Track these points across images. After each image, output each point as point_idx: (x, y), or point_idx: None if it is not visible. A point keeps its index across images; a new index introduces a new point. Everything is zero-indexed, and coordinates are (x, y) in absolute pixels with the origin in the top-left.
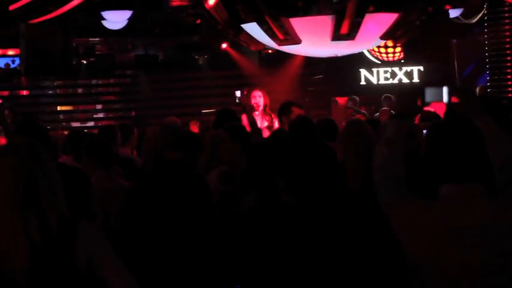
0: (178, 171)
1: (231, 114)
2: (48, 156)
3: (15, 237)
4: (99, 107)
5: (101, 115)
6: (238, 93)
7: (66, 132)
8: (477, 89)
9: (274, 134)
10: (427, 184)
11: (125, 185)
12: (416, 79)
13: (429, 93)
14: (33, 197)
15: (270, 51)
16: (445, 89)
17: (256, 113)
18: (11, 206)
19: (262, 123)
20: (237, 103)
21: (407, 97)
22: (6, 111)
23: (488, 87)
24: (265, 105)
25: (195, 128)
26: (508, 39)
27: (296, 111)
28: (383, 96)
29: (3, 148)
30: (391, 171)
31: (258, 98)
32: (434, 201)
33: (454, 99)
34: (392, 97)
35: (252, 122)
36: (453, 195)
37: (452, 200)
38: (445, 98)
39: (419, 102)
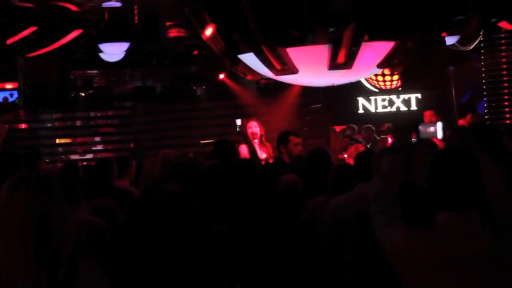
0: (176, 203)
1: (228, 146)
2: (60, 191)
3: (25, 268)
4: (97, 139)
5: (99, 147)
6: (238, 122)
7: None
8: (469, 116)
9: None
10: (422, 213)
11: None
12: (414, 107)
13: (423, 130)
14: (45, 233)
15: (267, 81)
16: (439, 125)
17: (255, 140)
18: (23, 239)
19: (260, 154)
20: (237, 132)
21: (402, 133)
22: None
23: (485, 113)
24: (261, 136)
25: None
26: (504, 66)
27: (294, 141)
28: (364, 127)
29: (18, 180)
30: (386, 206)
31: (255, 128)
32: (429, 229)
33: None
34: (373, 127)
35: (253, 152)
36: (450, 222)
37: (449, 227)
38: (440, 134)
39: (414, 137)
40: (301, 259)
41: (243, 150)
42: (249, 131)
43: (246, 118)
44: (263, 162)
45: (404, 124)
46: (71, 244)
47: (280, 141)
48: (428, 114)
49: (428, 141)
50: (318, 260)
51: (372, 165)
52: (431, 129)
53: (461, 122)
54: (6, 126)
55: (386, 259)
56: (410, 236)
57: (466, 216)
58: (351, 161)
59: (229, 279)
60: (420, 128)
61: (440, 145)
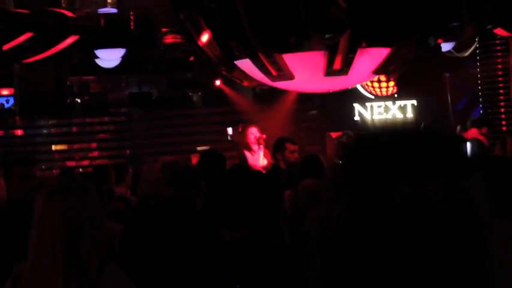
0: (177, 209)
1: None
2: (98, 200)
3: (55, 280)
4: (93, 145)
5: (95, 154)
6: (230, 131)
7: None
8: (485, 129)
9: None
10: None
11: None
12: (410, 113)
13: None
14: (77, 244)
15: (263, 87)
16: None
17: (261, 146)
18: (55, 250)
19: (262, 161)
20: (229, 140)
21: None
22: None
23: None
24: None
25: (195, 160)
26: (500, 72)
27: (290, 148)
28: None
29: (55, 188)
30: None
31: (257, 134)
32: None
33: None
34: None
35: (242, 160)
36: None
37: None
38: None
39: None
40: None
41: (248, 155)
42: (251, 137)
43: (243, 124)
44: (264, 170)
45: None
46: (103, 253)
47: (276, 148)
48: None
49: None
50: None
51: None
52: None
53: (473, 132)
54: None
55: None
56: None
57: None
58: None
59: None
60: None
61: None
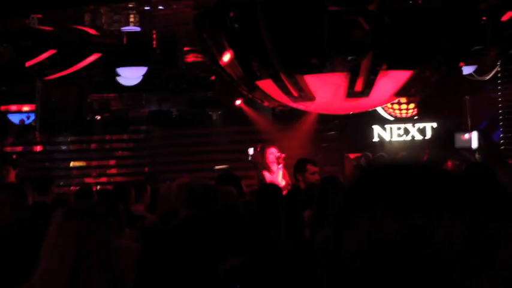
0: (193, 229)
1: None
2: (110, 226)
3: None
4: (112, 162)
5: (114, 171)
6: (251, 151)
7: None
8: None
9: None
10: None
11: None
12: (429, 136)
13: (458, 138)
14: (82, 267)
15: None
16: (474, 134)
17: (280, 166)
18: (60, 271)
19: (282, 180)
20: (250, 161)
21: (435, 145)
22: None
23: (501, 143)
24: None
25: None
26: None
27: (311, 169)
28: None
29: (71, 211)
30: None
31: (277, 154)
32: None
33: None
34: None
35: (261, 181)
36: None
37: None
38: (475, 144)
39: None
40: None
41: (267, 175)
42: (270, 157)
43: (262, 144)
44: (284, 190)
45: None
46: (114, 278)
47: (297, 168)
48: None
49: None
50: None
51: None
52: (466, 137)
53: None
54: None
55: None
56: None
57: None
58: None
59: None
60: (456, 136)
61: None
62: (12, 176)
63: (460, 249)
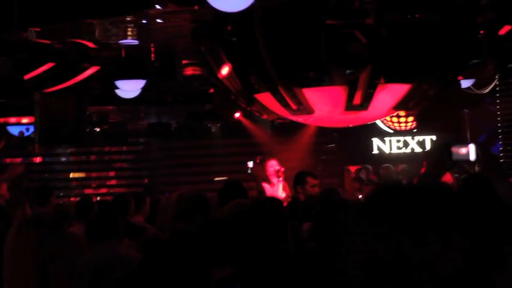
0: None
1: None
2: (66, 234)
3: None
4: (111, 174)
5: (113, 182)
6: (250, 164)
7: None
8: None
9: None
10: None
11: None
12: (428, 148)
13: (455, 151)
14: (49, 275)
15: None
16: (471, 147)
17: (280, 179)
18: (27, 280)
19: (281, 193)
20: (249, 174)
21: (432, 158)
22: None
23: (500, 156)
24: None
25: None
26: None
27: (311, 182)
28: (383, 166)
29: (26, 221)
30: None
31: (276, 167)
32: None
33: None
34: (392, 167)
35: (260, 193)
36: None
37: None
38: (472, 156)
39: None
40: None
41: (267, 188)
42: (270, 169)
43: (262, 157)
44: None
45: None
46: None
47: (297, 181)
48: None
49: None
50: None
51: None
52: (463, 150)
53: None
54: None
55: None
56: None
57: None
58: None
59: None
60: (452, 149)
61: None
62: (3, 188)
63: (456, 269)
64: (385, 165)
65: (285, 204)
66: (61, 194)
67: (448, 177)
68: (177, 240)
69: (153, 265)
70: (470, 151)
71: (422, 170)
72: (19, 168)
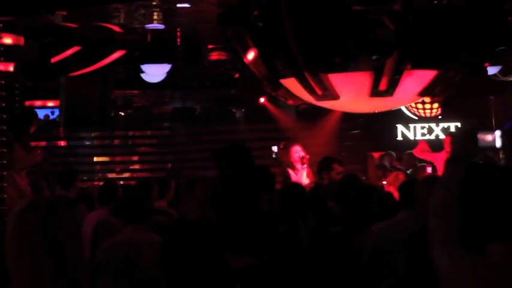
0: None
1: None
2: (71, 218)
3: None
4: (135, 158)
5: (137, 166)
6: (275, 149)
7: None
8: None
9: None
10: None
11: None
12: (453, 133)
13: (481, 138)
14: (58, 260)
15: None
16: (497, 133)
17: (304, 166)
18: (35, 267)
19: (306, 179)
20: (274, 158)
21: (460, 140)
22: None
23: None
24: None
25: None
26: None
27: (337, 169)
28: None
29: (27, 206)
30: (445, 219)
31: (301, 153)
32: (483, 256)
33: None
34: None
35: (285, 178)
36: (505, 254)
37: (504, 260)
38: (498, 143)
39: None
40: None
41: (292, 174)
42: (295, 155)
43: (286, 142)
44: (307, 189)
45: (462, 131)
46: (74, 274)
47: (322, 167)
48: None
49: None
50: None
51: (417, 194)
52: (490, 137)
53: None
54: (39, 152)
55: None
56: (462, 262)
57: None
58: (391, 189)
59: None
60: (478, 135)
61: None
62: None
63: None
64: (409, 151)
65: (307, 189)
66: (84, 177)
67: None
68: (200, 225)
69: (174, 247)
70: (497, 138)
71: (428, 172)
72: (38, 157)
